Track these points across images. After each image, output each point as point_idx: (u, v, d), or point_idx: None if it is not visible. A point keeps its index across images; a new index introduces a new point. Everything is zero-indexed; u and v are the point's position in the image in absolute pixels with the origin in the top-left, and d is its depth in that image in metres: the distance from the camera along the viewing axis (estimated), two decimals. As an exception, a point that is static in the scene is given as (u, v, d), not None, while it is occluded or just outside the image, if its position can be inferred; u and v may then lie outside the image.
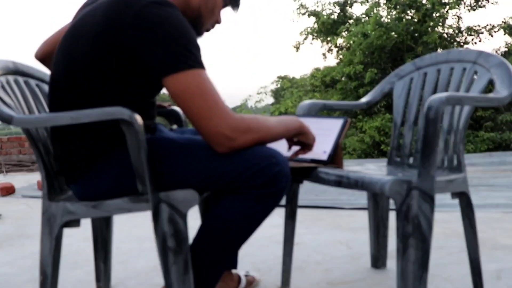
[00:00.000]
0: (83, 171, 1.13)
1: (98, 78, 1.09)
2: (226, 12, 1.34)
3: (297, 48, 14.34)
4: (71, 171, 1.15)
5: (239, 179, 1.06)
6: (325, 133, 1.39)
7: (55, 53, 1.19)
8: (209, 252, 1.13)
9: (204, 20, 1.24)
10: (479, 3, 11.78)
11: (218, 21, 1.30)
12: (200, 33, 1.26)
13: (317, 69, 14.41)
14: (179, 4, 1.18)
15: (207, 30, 1.29)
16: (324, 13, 13.59)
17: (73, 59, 1.11)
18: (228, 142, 1.05)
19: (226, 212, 1.09)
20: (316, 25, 13.57)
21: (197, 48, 1.06)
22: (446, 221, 2.49)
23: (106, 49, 1.06)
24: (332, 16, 13.56)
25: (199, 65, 1.05)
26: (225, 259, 1.16)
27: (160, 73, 1.04)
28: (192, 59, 1.04)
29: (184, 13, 1.15)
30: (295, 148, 1.30)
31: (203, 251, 1.13)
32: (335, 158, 1.36)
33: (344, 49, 13.36)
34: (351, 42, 12.12)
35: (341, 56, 13.21)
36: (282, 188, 1.08)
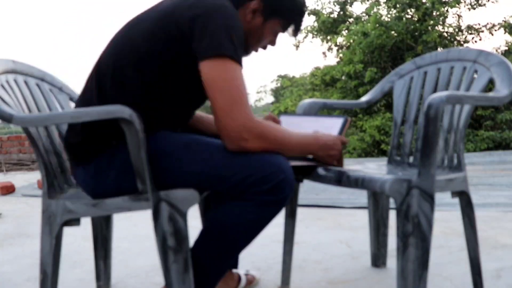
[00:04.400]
0: (93, 153, 1.13)
1: (146, 70, 1.10)
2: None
3: (297, 47, 14.34)
4: (83, 149, 1.15)
5: (243, 184, 1.06)
6: (325, 132, 1.39)
7: (108, 43, 1.20)
8: (210, 256, 1.13)
9: (249, 43, 1.25)
10: (479, 1, 11.77)
11: (272, 44, 1.31)
12: (247, 53, 1.28)
13: (317, 68, 14.39)
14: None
15: (256, 51, 1.30)
16: (324, 11, 13.59)
17: (127, 47, 1.13)
18: (239, 140, 1.06)
19: (229, 217, 1.10)
20: (316, 24, 13.57)
21: (240, 44, 1.08)
22: (446, 220, 2.49)
23: (160, 33, 1.09)
24: (332, 15, 13.56)
25: (238, 59, 1.07)
26: (226, 263, 1.16)
27: (202, 55, 1.05)
28: (234, 51, 1.06)
29: None
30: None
31: (204, 255, 1.13)
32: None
33: (344, 48, 13.36)
34: (351, 41, 12.12)
35: (341, 55, 13.21)
36: (285, 197, 1.08)
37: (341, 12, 13.66)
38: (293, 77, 22.98)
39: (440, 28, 11.68)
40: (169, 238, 1.09)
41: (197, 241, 1.14)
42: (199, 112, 1.40)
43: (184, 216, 1.10)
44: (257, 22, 1.22)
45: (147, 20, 1.14)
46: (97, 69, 1.18)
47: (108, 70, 1.14)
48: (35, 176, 5.52)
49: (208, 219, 1.15)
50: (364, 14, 13.21)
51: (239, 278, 1.57)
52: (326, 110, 1.75)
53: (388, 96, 9.07)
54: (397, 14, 11.69)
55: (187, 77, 1.12)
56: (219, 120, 1.06)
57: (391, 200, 1.38)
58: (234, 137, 1.06)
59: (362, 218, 2.59)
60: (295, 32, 1.31)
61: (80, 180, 1.18)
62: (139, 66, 1.11)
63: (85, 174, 1.16)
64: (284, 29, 1.28)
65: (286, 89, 18.18)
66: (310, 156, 1.35)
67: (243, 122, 1.05)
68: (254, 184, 1.06)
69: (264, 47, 1.30)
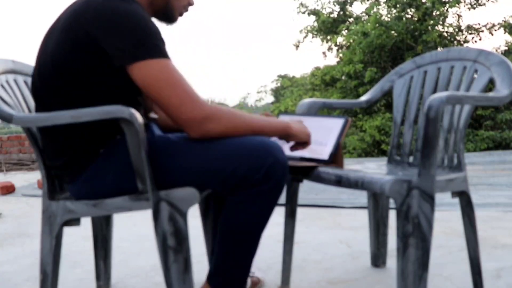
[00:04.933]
0: (79, 170, 1.13)
1: (65, 77, 1.09)
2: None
3: (297, 47, 14.34)
4: (68, 169, 1.15)
5: (235, 176, 1.07)
6: (325, 132, 1.39)
7: (36, 55, 1.19)
8: (234, 258, 1.15)
9: (173, 6, 1.25)
10: (479, 1, 11.77)
11: (191, 3, 1.30)
12: (173, 19, 1.27)
13: (317, 68, 14.39)
14: None
15: (181, 14, 1.29)
16: (324, 11, 13.59)
17: (44, 60, 1.12)
18: (199, 127, 1.07)
19: (237, 218, 1.11)
20: (316, 24, 13.57)
21: (159, 40, 1.08)
22: (446, 220, 2.49)
23: (71, 44, 1.07)
24: (332, 15, 13.56)
25: (162, 54, 1.06)
26: (251, 258, 1.18)
27: (120, 62, 1.05)
28: (153, 49, 1.05)
29: (151, 3, 1.19)
30: (291, 143, 1.31)
31: (228, 259, 1.15)
32: (335, 158, 1.36)
33: (344, 48, 13.36)
34: (351, 41, 12.11)
35: (341, 55, 13.21)
36: (280, 178, 1.09)
37: (341, 12, 13.66)
38: (293, 77, 22.98)
39: (440, 28, 11.67)
40: (169, 238, 1.09)
41: (218, 249, 1.16)
42: None
43: (184, 216, 1.10)
44: None
45: (57, 30, 1.12)
46: (32, 81, 1.19)
47: (37, 83, 1.15)
48: (35, 176, 5.52)
49: (219, 226, 1.16)
50: (364, 14, 13.21)
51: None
52: (326, 110, 1.75)
53: (388, 95, 9.06)
54: (397, 14, 11.69)
55: (113, 77, 1.11)
56: (173, 117, 1.07)
57: (391, 200, 1.38)
58: (193, 126, 1.07)
59: (362, 218, 2.59)
60: None
61: (73, 193, 1.18)
62: (58, 76, 1.10)
63: (77, 187, 1.16)
64: None
65: (286, 89, 18.19)
66: (308, 157, 1.35)
67: (196, 109, 1.06)
68: (247, 175, 1.06)
69: (186, 8, 1.29)
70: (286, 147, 1.30)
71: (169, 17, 1.26)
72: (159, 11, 1.23)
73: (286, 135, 1.23)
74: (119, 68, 1.07)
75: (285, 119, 1.30)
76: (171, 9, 1.25)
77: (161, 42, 1.08)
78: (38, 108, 1.16)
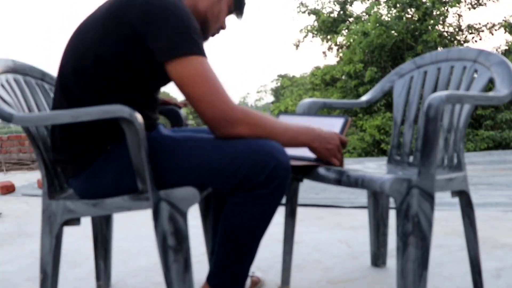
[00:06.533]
0: (84, 165, 1.14)
1: (106, 70, 1.10)
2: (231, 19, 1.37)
3: (297, 46, 14.35)
4: (72, 163, 1.15)
5: (238, 177, 1.07)
6: None
7: (63, 51, 1.20)
8: (233, 258, 1.16)
9: (210, 25, 1.27)
10: (480, 1, 11.77)
11: (223, 27, 1.32)
12: (206, 38, 1.29)
13: (317, 68, 14.40)
14: (187, 7, 1.19)
15: (213, 35, 1.31)
16: (324, 11, 13.60)
17: (81, 53, 1.13)
18: (226, 128, 1.08)
19: (238, 220, 1.11)
20: (316, 23, 13.58)
21: (200, 37, 1.09)
22: (446, 219, 2.49)
23: (114, 37, 1.08)
24: (332, 15, 13.56)
25: (202, 52, 1.08)
26: (251, 259, 1.18)
27: (163, 58, 1.06)
28: (195, 46, 1.07)
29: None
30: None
31: (228, 258, 1.15)
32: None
33: (344, 47, 13.37)
34: (351, 40, 12.12)
35: (341, 55, 13.22)
36: (282, 181, 1.09)
37: (341, 12, 13.67)
38: (293, 76, 23.00)
39: (440, 27, 11.68)
40: (169, 238, 1.09)
41: (218, 249, 1.16)
42: None
43: (184, 215, 1.10)
44: None
45: (96, 23, 1.13)
46: (59, 76, 1.18)
47: (69, 76, 1.14)
48: (35, 175, 5.52)
49: (220, 226, 1.16)
50: (364, 14, 13.22)
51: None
52: (326, 110, 1.75)
53: (388, 95, 9.07)
54: (397, 14, 11.69)
55: (147, 70, 1.13)
56: (202, 113, 1.08)
57: (391, 200, 1.38)
58: (220, 125, 1.08)
59: (362, 218, 2.59)
60: (240, 9, 1.33)
61: (75, 188, 1.18)
62: (98, 69, 1.11)
63: (79, 183, 1.16)
64: (235, 6, 1.31)
65: (286, 89, 18.18)
66: (312, 156, 1.35)
67: (226, 108, 1.07)
68: (249, 177, 1.06)
69: (219, 30, 1.31)
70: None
71: (203, 34, 1.25)
72: None
73: (308, 146, 1.23)
74: (158, 65, 1.08)
75: (300, 127, 1.23)
76: (207, 27, 1.26)
77: (201, 40, 1.10)
78: (64, 104, 1.15)
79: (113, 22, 1.09)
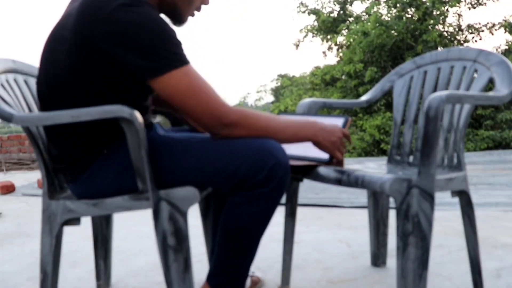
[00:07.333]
0: (82, 169, 1.13)
1: (84, 89, 1.08)
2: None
3: (297, 46, 14.34)
4: (70, 169, 1.15)
5: (237, 177, 1.07)
6: None
7: (40, 60, 1.17)
8: (232, 258, 1.16)
9: (182, 11, 1.21)
10: (480, 1, 11.77)
11: (205, 2, 1.25)
12: (183, 21, 1.23)
13: (317, 68, 14.40)
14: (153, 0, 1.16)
15: (192, 15, 1.25)
16: (324, 11, 13.60)
17: (54, 73, 1.10)
18: (223, 131, 1.08)
19: (236, 219, 1.11)
20: (316, 23, 13.57)
21: (176, 45, 1.05)
22: (446, 219, 2.49)
23: (84, 60, 1.05)
24: (332, 14, 13.56)
25: (182, 62, 1.04)
26: (251, 258, 1.18)
27: (144, 77, 1.04)
28: (173, 58, 1.03)
29: (160, 6, 1.16)
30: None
31: (228, 259, 1.16)
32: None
33: (344, 47, 13.37)
34: (351, 40, 12.12)
35: (341, 55, 13.21)
36: (281, 180, 1.09)
37: (341, 12, 13.66)
38: (293, 76, 22.98)
39: (440, 27, 11.68)
40: (169, 237, 1.09)
41: (218, 249, 1.16)
42: None
43: (184, 215, 1.10)
44: None
45: (68, 41, 1.07)
46: (38, 86, 1.17)
47: (46, 92, 1.13)
48: (35, 175, 5.52)
49: (219, 226, 1.16)
50: (364, 14, 13.21)
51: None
52: (326, 110, 1.75)
53: (388, 95, 9.06)
54: (397, 14, 11.69)
55: (130, 85, 1.10)
56: (197, 122, 1.08)
57: (391, 200, 1.38)
58: (217, 130, 1.08)
59: (362, 218, 2.59)
60: None
61: (75, 191, 1.18)
62: (77, 91, 1.08)
63: (79, 185, 1.16)
64: None
65: (286, 89, 18.17)
66: (312, 156, 1.34)
67: (218, 114, 1.06)
68: (248, 176, 1.06)
69: (198, 9, 1.25)
70: (287, 146, 1.30)
71: (178, 20, 1.22)
72: (167, 13, 1.20)
73: (311, 141, 1.21)
74: (139, 81, 1.07)
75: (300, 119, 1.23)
76: (179, 13, 1.21)
77: (179, 47, 1.05)
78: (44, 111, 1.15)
79: (83, 49, 1.04)
